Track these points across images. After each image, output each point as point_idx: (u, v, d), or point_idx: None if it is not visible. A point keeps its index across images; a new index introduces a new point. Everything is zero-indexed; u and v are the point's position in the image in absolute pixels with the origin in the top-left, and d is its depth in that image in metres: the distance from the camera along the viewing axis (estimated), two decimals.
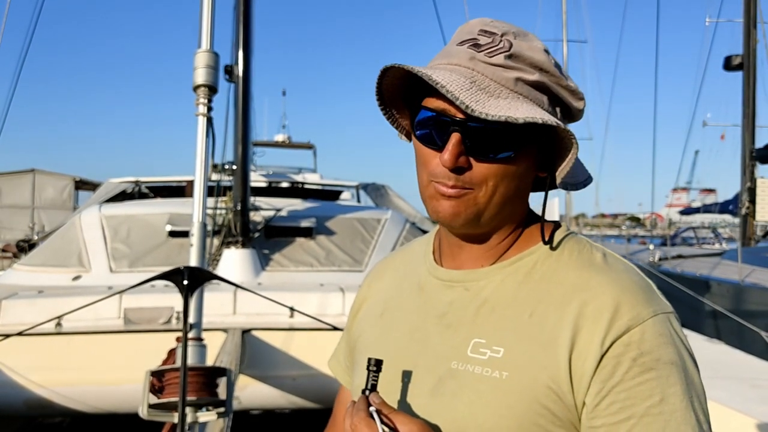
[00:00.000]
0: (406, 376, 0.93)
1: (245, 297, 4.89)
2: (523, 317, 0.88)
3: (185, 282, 2.66)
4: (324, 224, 6.32)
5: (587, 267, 0.90)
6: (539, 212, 0.97)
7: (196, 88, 3.77)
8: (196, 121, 3.69)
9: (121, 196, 8.06)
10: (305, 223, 6.19)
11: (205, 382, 2.71)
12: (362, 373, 0.98)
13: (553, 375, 0.84)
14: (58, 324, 4.39)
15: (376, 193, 9.15)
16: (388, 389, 0.92)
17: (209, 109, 3.76)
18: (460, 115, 0.85)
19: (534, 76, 0.87)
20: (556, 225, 0.97)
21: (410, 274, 1.05)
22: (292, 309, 4.51)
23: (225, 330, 4.43)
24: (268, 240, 6.00)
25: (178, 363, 2.87)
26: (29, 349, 4.35)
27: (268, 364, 4.53)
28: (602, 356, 0.82)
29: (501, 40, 0.87)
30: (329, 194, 9.68)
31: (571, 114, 0.94)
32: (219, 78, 3.88)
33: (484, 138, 0.85)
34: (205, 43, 3.83)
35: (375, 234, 6.36)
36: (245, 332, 4.50)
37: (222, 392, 2.76)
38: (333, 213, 6.63)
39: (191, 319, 3.05)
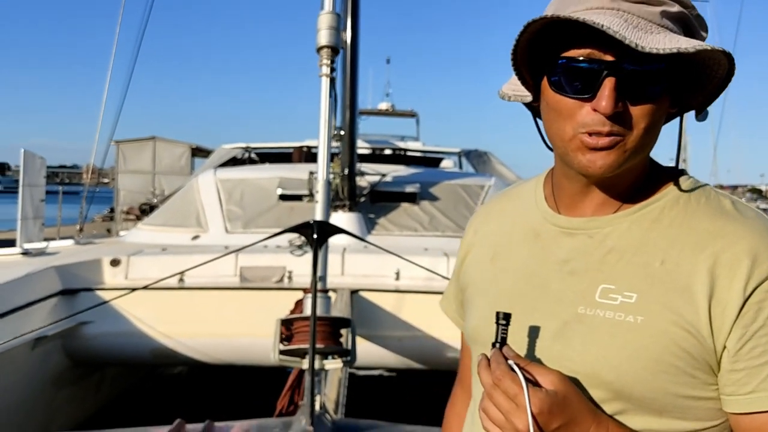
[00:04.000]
0: (527, 320, 0.94)
1: (353, 259, 5.03)
2: (654, 264, 0.89)
3: (315, 235, 2.80)
4: (427, 190, 6.36)
5: (719, 214, 0.90)
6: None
7: (319, 49, 3.87)
8: (319, 83, 3.82)
9: (232, 162, 8.42)
10: (409, 189, 6.25)
11: (331, 332, 2.85)
12: (474, 317, 1.01)
13: (692, 320, 0.85)
14: (181, 280, 4.69)
15: (479, 159, 9.06)
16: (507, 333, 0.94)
17: (332, 69, 3.87)
18: (610, 58, 0.84)
19: (675, 8, 0.87)
20: (681, 171, 0.97)
21: (521, 220, 1.05)
22: (436, 276, 4.51)
23: (334, 290, 4.59)
24: (373, 205, 6.11)
25: (306, 313, 3.03)
26: (154, 303, 4.68)
27: (374, 324, 4.65)
28: (744, 303, 0.83)
29: None
30: (431, 161, 9.70)
31: None
32: (340, 39, 3.98)
33: (637, 79, 0.85)
34: (328, 4, 3.92)
35: (478, 200, 6.34)
36: (353, 293, 4.64)
37: (347, 342, 2.89)
38: (436, 179, 6.65)
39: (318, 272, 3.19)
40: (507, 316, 0.88)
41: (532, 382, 0.82)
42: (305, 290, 3.52)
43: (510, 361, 0.84)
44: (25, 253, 5.01)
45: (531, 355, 0.92)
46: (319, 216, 3.58)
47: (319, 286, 3.30)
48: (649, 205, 0.94)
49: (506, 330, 0.88)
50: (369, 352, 4.60)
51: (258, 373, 6.71)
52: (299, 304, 3.56)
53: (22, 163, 5.60)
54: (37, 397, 4.37)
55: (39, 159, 5.95)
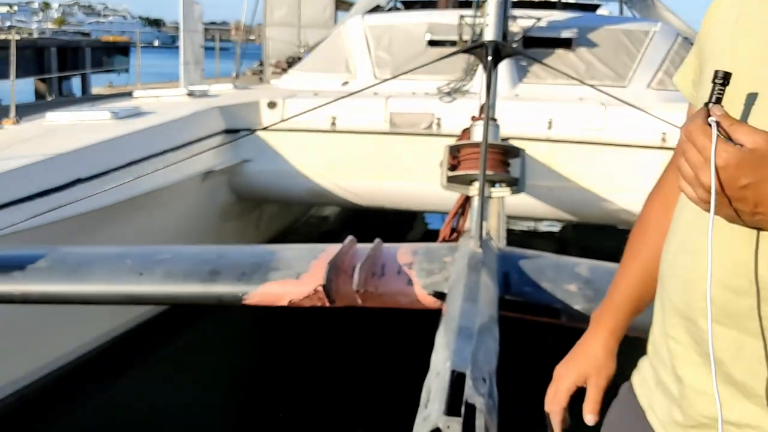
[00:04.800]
0: (757, 88, 0.83)
1: (504, 106, 4.88)
2: None
3: (489, 57, 2.71)
4: (585, 36, 5.92)
5: None
6: None
7: None
8: None
9: (377, 10, 8.25)
10: (565, 34, 5.85)
11: (501, 160, 2.83)
12: (704, 87, 0.91)
13: None
14: (333, 123, 4.81)
15: (642, 4, 8.25)
16: (733, 99, 0.83)
17: None
18: None
19: None
20: None
21: None
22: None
23: None
24: (525, 50, 5.81)
25: (473, 140, 3.00)
26: (309, 145, 4.87)
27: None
28: None
29: None
30: (588, 7, 8.98)
31: None
32: None
33: None
34: None
35: (641, 47, 5.83)
36: (503, 140, 4.55)
37: (515, 171, 2.86)
38: (595, 24, 6.16)
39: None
40: (726, 76, 0.79)
41: (730, 139, 0.75)
42: (473, 118, 3.46)
43: (710, 119, 0.76)
44: (190, 94, 5.30)
45: (745, 121, 0.82)
46: (491, 35, 3.41)
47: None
48: None
49: (722, 91, 0.79)
50: (517, 201, 4.56)
51: (399, 224, 6.96)
52: (466, 132, 3.53)
53: (181, 11, 5.80)
54: (208, 228, 4.79)
55: (197, 6, 6.13)
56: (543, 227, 6.86)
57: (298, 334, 4.30)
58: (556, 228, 6.96)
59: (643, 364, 1.04)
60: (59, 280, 1.95)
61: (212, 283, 1.89)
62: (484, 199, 2.27)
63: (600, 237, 6.14)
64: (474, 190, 2.62)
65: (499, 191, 2.81)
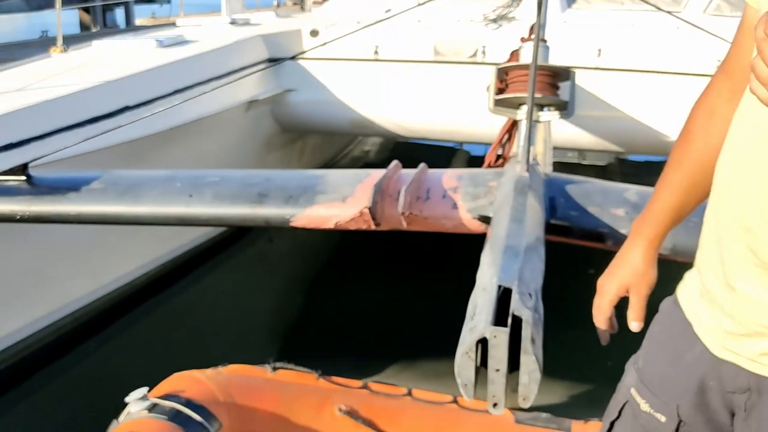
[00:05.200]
0: None
1: (550, 33, 4.73)
2: None
3: None
4: None
5: None
6: None
7: None
8: None
9: None
10: None
11: (550, 83, 2.77)
12: None
13: None
14: (376, 52, 4.74)
15: None
16: None
17: None
18: None
19: None
20: None
21: None
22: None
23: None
24: None
25: (522, 62, 2.94)
26: (351, 74, 4.81)
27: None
28: None
29: None
30: None
31: None
32: None
33: None
34: None
35: None
36: None
37: (564, 94, 2.80)
38: None
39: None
40: None
41: None
42: (522, 39, 3.37)
43: None
44: (232, 22, 5.27)
45: None
46: None
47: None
48: None
49: None
50: (564, 131, 4.47)
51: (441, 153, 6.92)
52: (514, 54, 3.45)
53: None
54: (252, 159, 4.84)
55: None
56: (589, 160, 6.74)
57: (343, 255, 4.43)
58: (602, 161, 6.84)
59: (690, 276, 1.04)
60: (112, 201, 2.01)
61: (260, 206, 1.93)
62: (532, 123, 2.23)
63: (647, 171, 6.01)
64: (522, 113, 2.57)
65: (548, 115, 2.75)
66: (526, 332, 1.14)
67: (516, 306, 1.18)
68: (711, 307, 0.95)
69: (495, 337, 1.12)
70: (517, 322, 1.15)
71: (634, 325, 1.11)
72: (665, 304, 1.09)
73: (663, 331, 1.07)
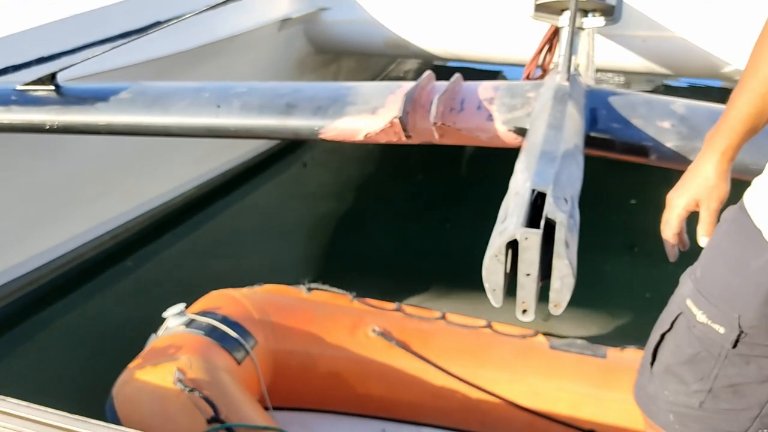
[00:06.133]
0: None
1: None
2: None
3: None
4: None
5: None
6: None
7: None
8: None
9: None
10: None
11: None
12: None
13: None
14: None
15: None
16: None
17: None
18: None
19: None
20: None
21: None
22: None
23: None
24: None
25: None
26: None
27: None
28: None
29: None
30: None
31: None
32: None
33: None
34: None
35: None
36: None
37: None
38: None
39: None
40: None
41: None
42: None
43: None
44: None
45: None
46: None
47: None
48: None
49: None
50: (607, 51, 4.27)
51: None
52: None
53: None
54: (285, 80, 4.74)
55: None
56: (633, 86, 6.49)
57: (376, 183, 4.40)
58: (648, 87, 6.59)
59: (760, 182, 0.97)
60: (140, 111, 1.98)
61: (288, 117, 1.88)
62: (575, 30, 2.09)
63: (696, 98, 5.77)
64: (564, 19, 2.42)
65: (592, 21, 2.58)
66: (560, 234, 1.06)
67: (550, 209, 1.09)
68: None
69: (526, 239, 1.05)
70: (551, 226, 1.07)
71: (704, 240, 1.05)
72: (729, 213, 1.04)
73: (726, 238, 1.02)
